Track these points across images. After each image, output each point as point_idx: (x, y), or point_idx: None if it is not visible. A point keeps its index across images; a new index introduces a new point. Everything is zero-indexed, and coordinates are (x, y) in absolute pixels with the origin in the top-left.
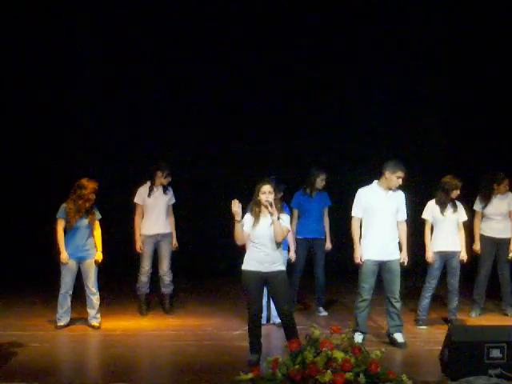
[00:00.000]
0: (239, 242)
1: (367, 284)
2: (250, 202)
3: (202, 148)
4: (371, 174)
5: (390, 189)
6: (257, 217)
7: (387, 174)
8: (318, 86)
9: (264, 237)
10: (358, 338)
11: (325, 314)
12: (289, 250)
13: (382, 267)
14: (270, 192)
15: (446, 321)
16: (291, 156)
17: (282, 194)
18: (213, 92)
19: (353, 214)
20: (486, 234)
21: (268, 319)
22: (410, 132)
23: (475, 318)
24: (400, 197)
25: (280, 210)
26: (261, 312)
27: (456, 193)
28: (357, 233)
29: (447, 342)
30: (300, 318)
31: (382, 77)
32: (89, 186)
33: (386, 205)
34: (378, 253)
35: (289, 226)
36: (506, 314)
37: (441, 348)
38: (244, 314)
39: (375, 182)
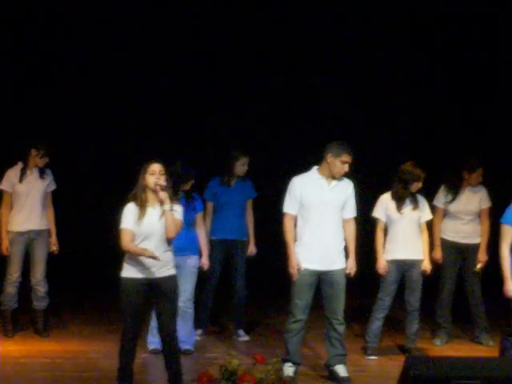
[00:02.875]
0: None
1: (302, 301)
2: (134, 188)
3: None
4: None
5: (333, 177)
6: (143, 207)
7: (329, 157)
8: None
9: (153, 232)
10: (289, 370)
11: (246, 338)
12: (200, 255)
13: (321, 279)
14: (160, 173)
15: (402, 350)
16: (207, 135)
17: (192, 181)
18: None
19: (284, 209)
20: (448, 237)
21: None
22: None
23: (440, 347)
24: (347, 188)
25: (172, 199)
26: (139, 329)
27: (417, 185)
28: (291, 234)
29: (404, 378)
30: (214, 343)
31: (343, 58)
32: None
33: (328, 198)
34: (316, 261)
35: (182, 219)
36: (480, 342)
37: None
38: (142, 336)
39: (314, 168)
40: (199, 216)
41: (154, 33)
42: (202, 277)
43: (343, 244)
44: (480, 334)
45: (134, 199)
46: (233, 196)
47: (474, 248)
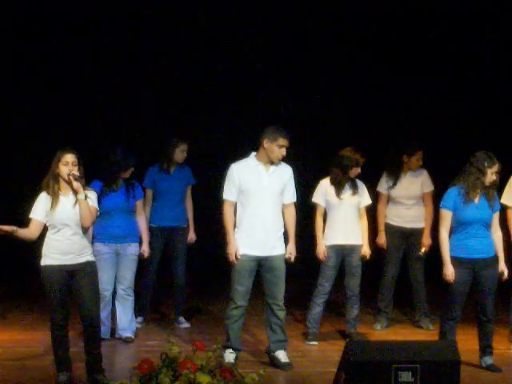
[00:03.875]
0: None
1: (242, 287)
2: (46, 177)
3: None
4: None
5: (271, 162)
6: (56, 196)
7: (266, 142)
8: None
9: (67, 220)
10: (229, 356)
11: (186, 325)
12: (141, 243)
13: (261, 265)
14: (73, 163)
15: (343, 335)
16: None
17: (132, 169)
18: None
19: (224, 196)
20: (392, 222)
21: (112, 332)
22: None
23: (380, 332)
24: (286, 173)
25: (85, 187)
26: (68, 316)
27: (356, 171)
28: (231, 221)
29: (344, 363)
30: (154, 330)
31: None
32: None
33: (266, 184)
34: (256, 246)
35: (97, 206)
36: (421, 327)
37: (336, 370)
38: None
39: (253, 154)
40: (139, 203)
41: None
42: (143, 264)
43: (282, 229)
44: (421, 319)
45: (47, 188)
46: (172, 183)
47: (418, 232)
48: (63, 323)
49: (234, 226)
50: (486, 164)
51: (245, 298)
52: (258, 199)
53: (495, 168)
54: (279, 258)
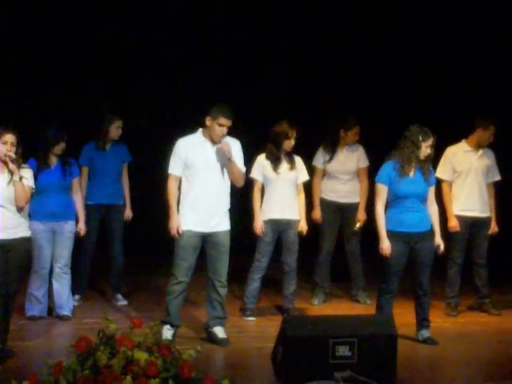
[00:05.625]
0: None
1: (185, 262)
2: None
3: None
4: None
5: (214, 142)
6: None
7: (208, 120)
8: None
9: (1, 198)
10: (167, 333)
11: (124, 302)
12: (77, 221)
13: (206, 241)
14: (12, 144)
15: (280, 310)
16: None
17: (63, 145)
18: None
19: (169, 170)
20: (327, 197)
21: (50, 311)
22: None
23: (318, 306)
24: (233, 147)
25: (21, 166)
26: (3, 289)
27: (289, 143)
28: (174, 195)
29: (281, 338)
30: (92, 308)
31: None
32: None
33: (212, 160)
34: (201, 222)
35: (32, 184)
36: (358, 301)
37: (273, 345)
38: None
39: (200, 130)
40: (75, 181)
41: None
42: (79, 242)
43: (228, 206)
44: (358, 293)
45: None
46: (108, 160)
47: (353, 207)
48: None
49: (178, 202)
50: (420, 138)
51: (187, 273)
52: (204, 175)
53: (430, 142)
54: (224, 234)
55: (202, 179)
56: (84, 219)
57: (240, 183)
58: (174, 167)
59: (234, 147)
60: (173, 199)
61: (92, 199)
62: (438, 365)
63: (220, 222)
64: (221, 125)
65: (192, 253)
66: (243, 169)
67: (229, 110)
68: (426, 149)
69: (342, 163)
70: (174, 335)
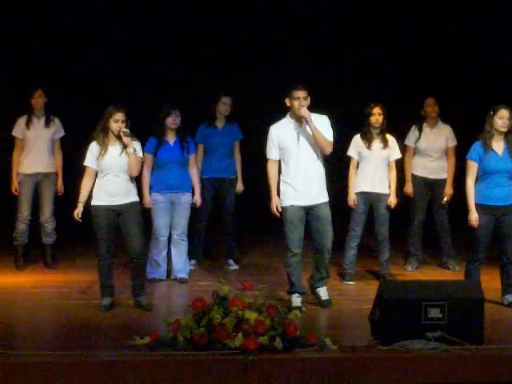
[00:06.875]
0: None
1: (295, 235)
2: (97, 128)
3: None
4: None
5: (301, 121)
6: (104, 146)
7: (287, 101)
8: None
9: (114, 167)
10: (297, 300)
11: (235, 267)
12: (193, 193)
13: (309, 214)
14: (122, 121)
15: (377, 276)
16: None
17: (169, 117)
18: None
19: (267, 155)
20: (418, 173)
21: (168, 274)
22: None
23: (411, 272)
24: (321, 123)
25: (132, 139)
26: (112, 250)
27: (374, 119)
28: (273, 178)
29: (378, 301)
30: (206, 272)
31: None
32: None
33: (302, 138)
34: (301, 197)
35: (141, 155)
36: (448, 268)
37: (371, 307)
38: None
39: (288, 113)
40: (192, 157)
41: None
42: (195, 212)
43: (323, 179)
44: (447, 260)
45: (97, 138)
46: (220, 138)
47: (441, 183)
48: (107, 256)
49: (279, 183)
50: (491, 113)
51: (300, 244)
52: (295, 154)
53: (501, 113)
54: (324, 206)
55: (295, 158)
56: (200, 192)
57: (326, 150)
58: (270, 152)
59: (322, 121)
60: (272, 181)
61: (207, 174)
62: None
63: (319, 195)
64: (296, 98)
65: (299, 225)
66: (330, 139)
67: (299, 83)
68: (498, 120)
69: (433, 142)
70: (302, 302)
